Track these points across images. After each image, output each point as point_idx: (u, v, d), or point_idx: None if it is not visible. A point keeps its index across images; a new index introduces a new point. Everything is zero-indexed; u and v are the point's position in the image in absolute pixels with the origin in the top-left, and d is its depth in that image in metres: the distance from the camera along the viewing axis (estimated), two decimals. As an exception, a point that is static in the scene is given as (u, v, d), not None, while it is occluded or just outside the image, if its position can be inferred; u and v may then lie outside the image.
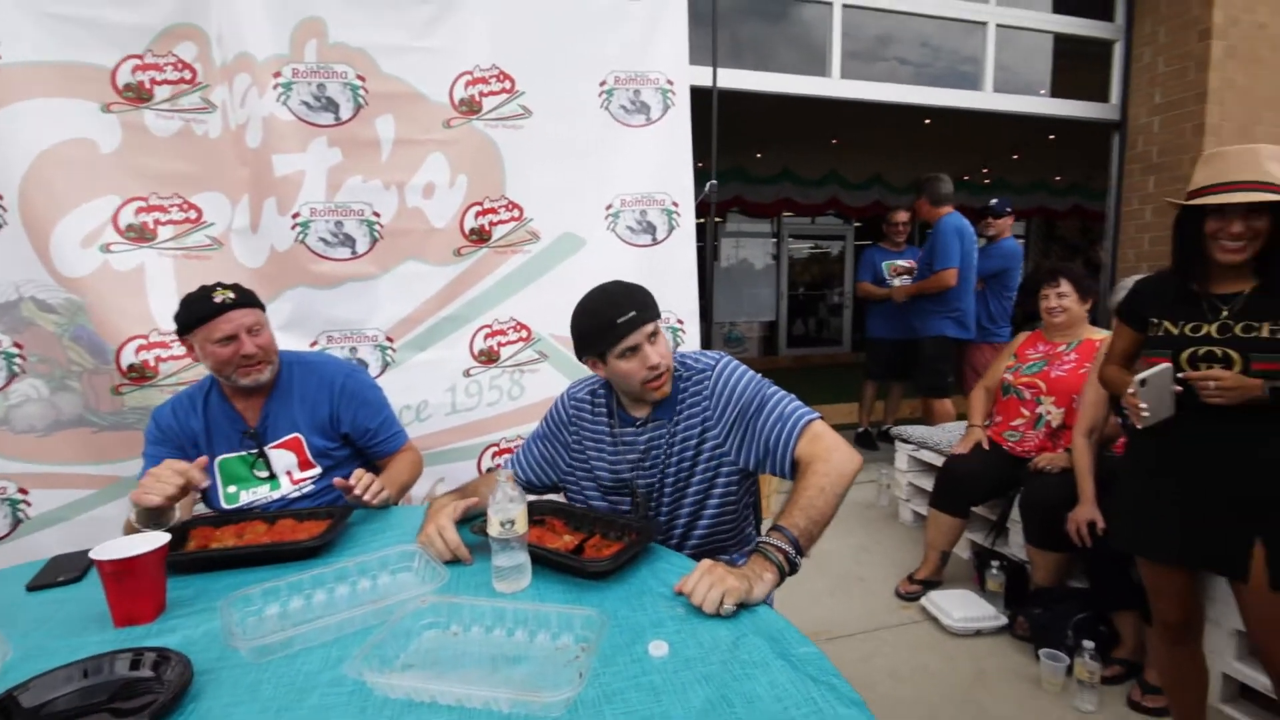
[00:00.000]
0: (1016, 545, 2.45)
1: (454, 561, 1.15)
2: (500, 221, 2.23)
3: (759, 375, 1.29)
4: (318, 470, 1.59)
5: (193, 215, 2.03)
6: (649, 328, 1.22)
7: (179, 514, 1.27)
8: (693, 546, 1.31)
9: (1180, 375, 1.38)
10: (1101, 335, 2.30)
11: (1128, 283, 1.79)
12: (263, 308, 1.56)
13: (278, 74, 1.99)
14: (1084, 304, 2.34)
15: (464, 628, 0.92)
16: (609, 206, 2.34)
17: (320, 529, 1.26)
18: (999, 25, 4.07)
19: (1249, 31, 3.87)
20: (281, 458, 1.56)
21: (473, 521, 1.26)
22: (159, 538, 1.00)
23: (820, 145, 7.99)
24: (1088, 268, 4.37)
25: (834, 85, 3.69)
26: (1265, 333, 1.32)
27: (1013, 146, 8.22)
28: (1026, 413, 2.39)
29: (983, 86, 4.05)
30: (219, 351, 1.45)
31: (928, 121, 6.23)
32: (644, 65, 2.33)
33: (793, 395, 1.26)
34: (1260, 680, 1.70)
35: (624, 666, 0.83)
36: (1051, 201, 9.53)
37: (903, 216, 4.40)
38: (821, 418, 1.22)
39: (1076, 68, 4.49)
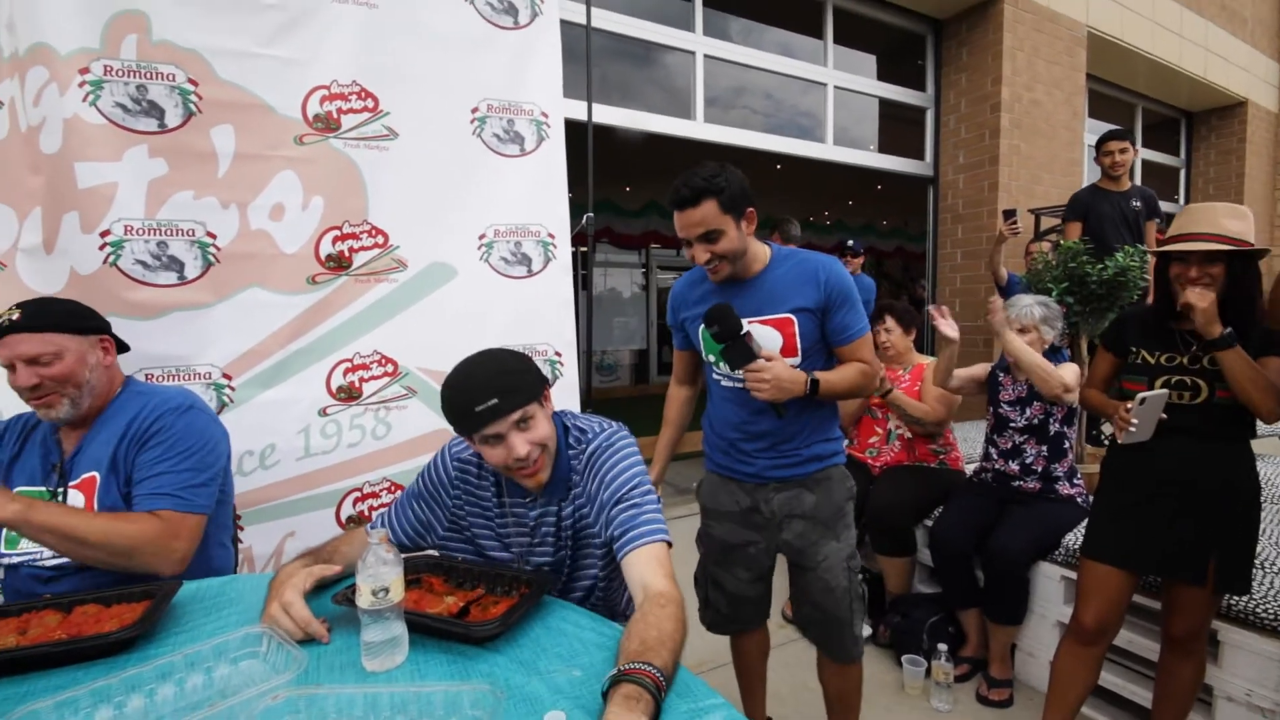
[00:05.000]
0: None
1: (308, 641, 1.00)
2: (363, 248, 2.05)
3: (640, 464, 1.19)
4: None
5: (-39, 230, 1.66)
6: (515, 415, 1.08)
7: None
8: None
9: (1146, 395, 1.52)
10: (928, 360, 2.58)
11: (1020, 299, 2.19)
12: (82, 330, 1.33)
13: (85, 70, 1.69)
14: (908, 335, 2.61)
15: (330, 721, 0.79)
16: (482, 236, 2.24)
17: (136, 613, 1.04)
18: (836, 87, 4.57)
19: (1029, 107, 4.67)
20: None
21: (331, 590, 1.11)
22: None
23: (684, 182, 8.40)
24: (911, 302, 4.96)
25: (698, 128, 3.92)
26: None
27: (848, 193, 9.19)
28: (880, 430, 2.62)
29: (825, 139, 4.52)
30: (9, 378, 1.26)
31: (779, 166, 6.80)
32: (518, 95, 2.29)
33: (659, 508, 1.14)
34: (1111, 680, 1.91)
35: (522, 744, 0.76)
36: (879, 242, 10.78)
37: None
38: (670, 544, 1.10)
39: (899, 129, 5.14)
